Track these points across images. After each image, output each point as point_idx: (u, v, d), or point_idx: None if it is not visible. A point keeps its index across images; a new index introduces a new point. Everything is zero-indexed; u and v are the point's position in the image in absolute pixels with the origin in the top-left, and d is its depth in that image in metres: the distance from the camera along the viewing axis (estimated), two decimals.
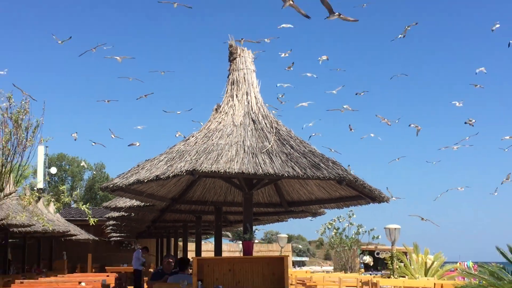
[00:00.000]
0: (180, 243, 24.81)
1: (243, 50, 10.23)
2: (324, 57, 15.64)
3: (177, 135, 12.88)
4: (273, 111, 10.33)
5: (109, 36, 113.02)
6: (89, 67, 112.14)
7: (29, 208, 18.67)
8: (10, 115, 7.47)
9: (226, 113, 9.81)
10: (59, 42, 13.96)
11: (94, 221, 9.74)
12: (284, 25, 13.13)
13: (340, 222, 29.88)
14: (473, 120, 16.16)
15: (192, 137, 9.70)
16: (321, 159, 9.15)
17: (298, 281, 17.42)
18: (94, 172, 72.33)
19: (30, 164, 7.96)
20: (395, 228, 18.66)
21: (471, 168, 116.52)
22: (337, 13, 8.30)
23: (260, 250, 41.61)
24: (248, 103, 9.88)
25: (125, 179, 9.08)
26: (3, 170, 7.69)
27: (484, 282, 8.53)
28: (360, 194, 9.94)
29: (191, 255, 18.92)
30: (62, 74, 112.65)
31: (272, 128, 9.54)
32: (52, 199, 14.68)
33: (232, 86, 10.08)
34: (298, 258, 70.72)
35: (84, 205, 8.68)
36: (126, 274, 24.53)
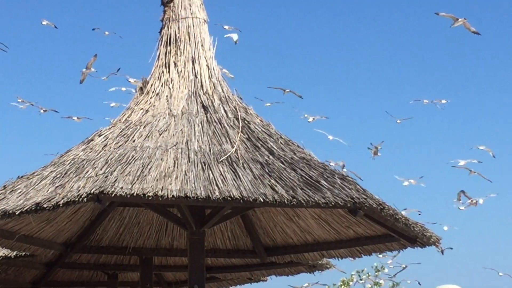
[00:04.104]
0: None
1: None
2: None
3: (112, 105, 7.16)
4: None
5: None
6: None
7: None
8: None
9: (157, 94, 5.28)
10: None
11: None
12: None
13: (361, 280, 12.50)
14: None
15: (99, 136, 4.86)
16: (321, 172, 4.74)
17: None
18: None
19: None
20: None
21: None
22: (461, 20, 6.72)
23: None
24: (196, 77, 5.28)
25: None
26: None
27: None
28: (389, 232, 5.00)
29: None
30: None
31: (238, 119, 5.01)
32: None
33: (168, 48, 5.40)
34: None
35: None
36: None
